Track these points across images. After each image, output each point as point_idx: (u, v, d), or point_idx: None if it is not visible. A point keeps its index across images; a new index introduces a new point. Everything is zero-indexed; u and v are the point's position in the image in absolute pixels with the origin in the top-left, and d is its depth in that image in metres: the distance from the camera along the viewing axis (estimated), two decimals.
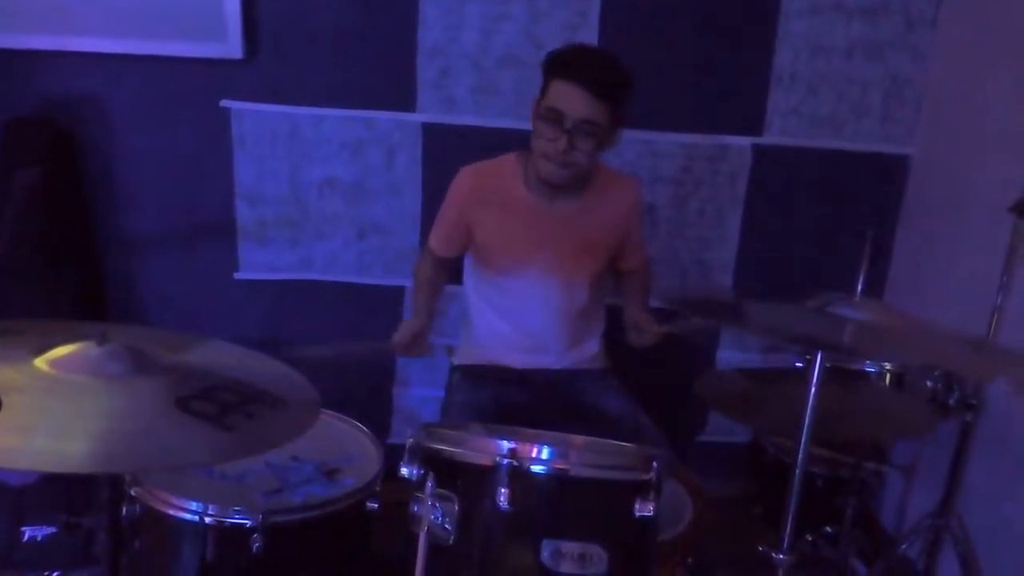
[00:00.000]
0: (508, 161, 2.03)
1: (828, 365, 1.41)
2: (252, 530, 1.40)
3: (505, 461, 1.18)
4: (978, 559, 2.14)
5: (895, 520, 2.64)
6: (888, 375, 2.23)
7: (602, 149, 1.90)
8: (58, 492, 2.13)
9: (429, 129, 2.54)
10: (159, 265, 2.59)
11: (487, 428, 1.54)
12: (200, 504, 1.43)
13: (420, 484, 1.22)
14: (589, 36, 2.47)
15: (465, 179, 2.04)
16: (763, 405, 1.73)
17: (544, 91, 1.86)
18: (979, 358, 1.52)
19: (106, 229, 2.53)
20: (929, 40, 2.55)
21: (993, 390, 2.15)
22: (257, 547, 1.40)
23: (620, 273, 2.21)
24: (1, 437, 1.00)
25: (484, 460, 1.20)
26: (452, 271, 2.19)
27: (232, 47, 2.39)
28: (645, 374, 2.22)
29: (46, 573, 2.17)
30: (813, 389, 1.40)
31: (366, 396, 2.72)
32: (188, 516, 1.43)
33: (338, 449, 1.69)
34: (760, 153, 2.63)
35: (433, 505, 1.21)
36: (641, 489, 1.22)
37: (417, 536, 1.21)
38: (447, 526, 1.21)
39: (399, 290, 2.66)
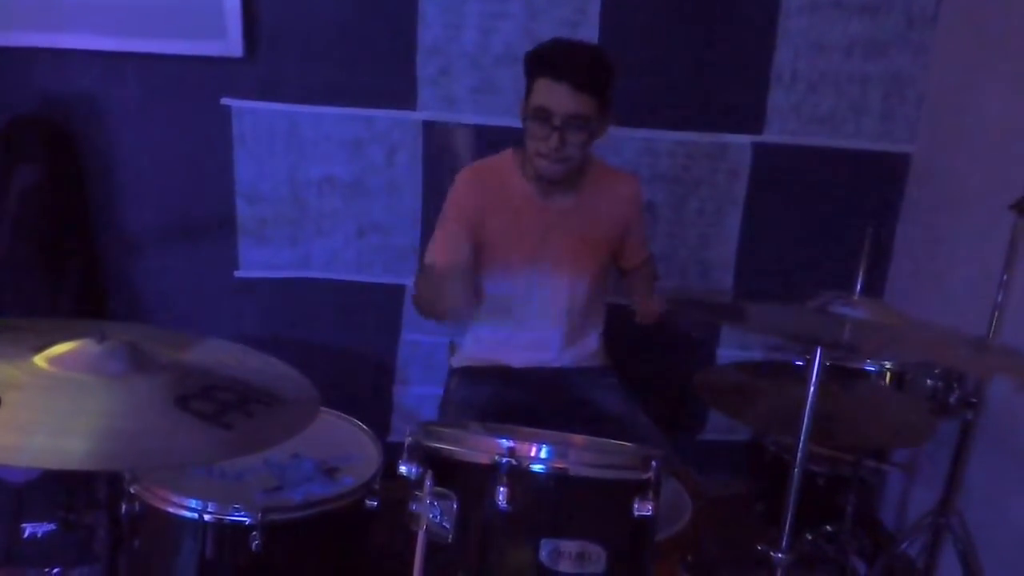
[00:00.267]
0: (506, 157, 2.03)
1: (828, 364, 1.41)
2: (251, 528, 1.41)
3: (504, 460, 1.18)
4: (978, 557, 2.14)
5: (895, 518, 2.64)
6: (888, 374, 2.23)
7: (594, 139, 1.90)
8: (58, 489, 2.14)
9: (430, 127, 2.53)
10: (159, 263, 2.59)
11: (486, 427, 1.53)
12: (199, 502, 1.43)
13: (419, 482, 1.22)
14: (589, 33, 2.47)
15: (465, 179, 2.03)
16: (761, 402, 1.73)
17: (529, 91, 1.86)
18: (979, 356, 1.52)
19: (106, 227, 2.53)
20: (930, 38, 2.55)
21: (993, 388, 2.15)
22: (256, 545, 1.40)
23: (623, 271, 2.21)
24: (1, 434, 1.00)
25: (483, 459, 1.20)
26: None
27: (232, 45, 2.39)
28: (645, 372, 2.22)
29: (46, 570, 2.18)
30: (812, 387, 1.40)
31: (366, 395, 2.73)
32: (187, 514, 1.44)
33: (337, 447, 1.69)
34: (760, 151, 2.63)
35: (432, 503, 1.20)
36: (640, 488, 1.22)
37: (416, 534, 1.21)
38: (446, 524, 1.21)
39: (399, 288, 2.66)
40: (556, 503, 1.22)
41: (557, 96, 1.80)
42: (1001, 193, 2.01)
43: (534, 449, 1.20)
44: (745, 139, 2.62)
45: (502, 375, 2.08)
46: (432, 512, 1.20)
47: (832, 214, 2.68)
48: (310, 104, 2.50)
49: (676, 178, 2.64)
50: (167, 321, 2.60)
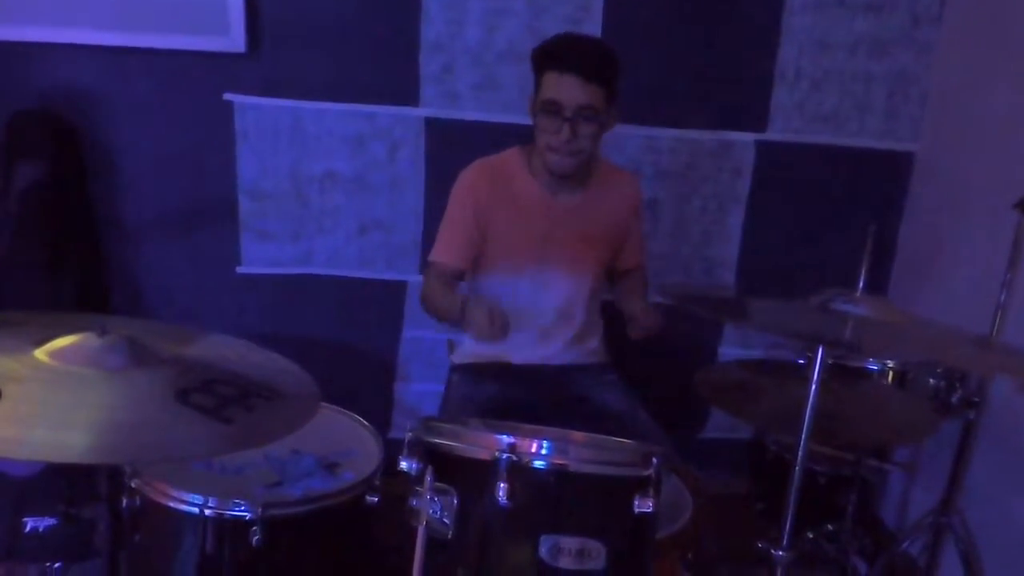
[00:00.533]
0: (511, 155, 2.03)
1: (830, 362, 1.40)
2: (252, 523, 1.40)
3: (504, 456, 1.17)
4: (980, 557, 2.13)
5: (897, 517, 2.64)
6: (890, 373, 2.23)
7: (604, 131, 1.91)
8: (59, 483, 2.14)
9: (432, 124, 2.53)
10: (161, 259, 2.60)
11: (486, 423, 1.53)
12: (200, 496, 1.42)
13: (419, 478, 1.22)
14: (592, 30, 2.46)
15: (470, 177, 2.02)
16: (763, 400, 1.72)
17: (538, 86, 1.87)
18: (982, 355, 1.52)
19: (108, 222, 2.53)
20: (934, 36, 2.54)
21: (996, 388, 2.14)
22: (256, 540, 1.40)
23: (617, 272, 2.20)
24: (1, 427, 1.00)
25: (483, 455, 1.20)
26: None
27: (235, 41, 2.39)
28: (647, 371, 2.22)
29: (48, 564, 2.18)
30: (814, 385, 1.39)
31: (368, 391, 2.73)
32: (188, 508, 1.43)
33: (338, 443, 1.68)
34: (763, 149, 2.62)
35: (432, 499, 1.20)
36: (640, 485, 1.22)
37: (416, 530, 1.21)
38: (446, 520, 1.20)
39: (401, 285, 2.66)
40: (556, 499, 1.21)
41: (567, 88, 1.81)
42: (1005, 192, 2.00)
43: (534, 445, 1.20)
44: (748, 137, 2.61)
45: (503, 372, 2.08)
46: (432, 508, 1.20)
47: (835, 212, 2.67)
48: (312, 100, 2.50)
49: (679, 175, 2.64)
50: (169, 317, 2.61)
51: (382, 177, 2.58)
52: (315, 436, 1.61)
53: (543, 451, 1.20)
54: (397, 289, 2.67)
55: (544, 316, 2.08)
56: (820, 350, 1.38)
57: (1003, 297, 2.01)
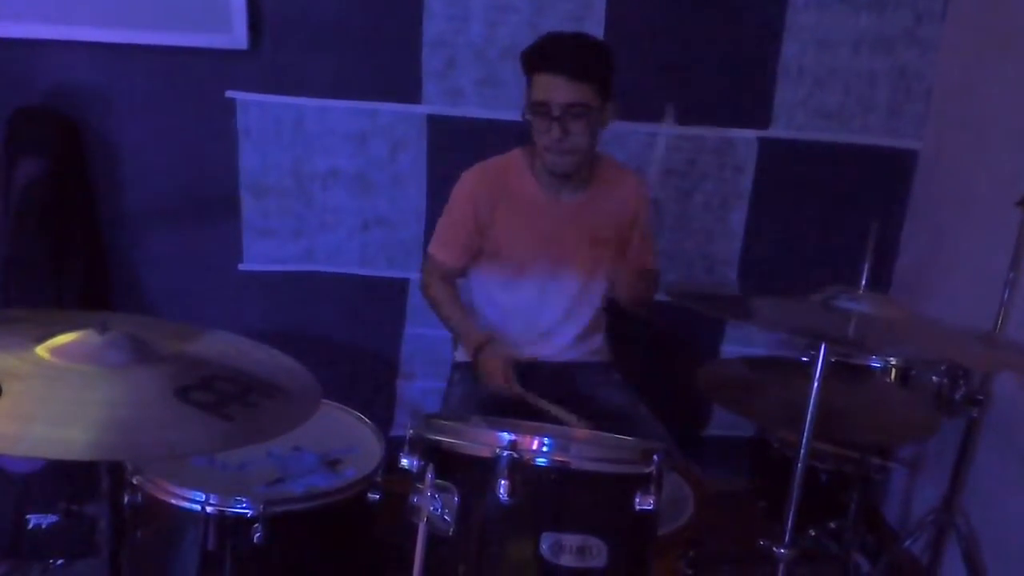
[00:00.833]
0: (514, 157, 2.03)
1: (833, 360, 1.40)
2: (253, 520, 1.40)
3: (505, 453, 1.17)
4: (982, 554, 2.13)
5: (899, 515, 2.63)
6: (894, 371, 2.22)
7: (600, 127, 1.90)
8: (61, 480, 2.14)
9: (434, 121, 2.53)
10: (163, 255, 2.60)
11: (487, 420, 1.53)
12: (202, 493, 1.43)
13: (420, 475, 1.22)
14: (594, 28, 2.46)
15: (470, 181, 2.02)
16: (766, 398, 1.72)
17: (528, 88, 1.88)
18: (985, 352, 1.51)
19: (110, 219, 2.54)
20: (937, 34, 2.53)
21: (999, 385, 2.14)
22: (258, 537, 1.40)
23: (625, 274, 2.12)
24: (1, 424, 1.00)
25: (484, 452, 1.20)
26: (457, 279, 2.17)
27: (237, 38, 2.39)
28: (649, 368, 2.22)
29: (50, 561, 2.19)
30: (816, 382, 1.39)
31: (370, 388, 2.73)
32: (190, 505, 1.43)
33: (340, 440, 1.69)
34: (766, 147, 2.62)
35: (433, 496, 1.20)
36: (641, 482, 1.22)
37: (417, 527, 1.21)
38: (447, 517, 1.20)
39: (403, 282, 2.66)
40: (557, 496, 1.21)
41: (554, 88, 1.81)
42: (1008, 189, 2.00)
43: (535, 442, 1.20)
44: (751, 134, 2.61)
45: None
46: (433, 505, 1.20)
47: (838, 210, 2.67)
48: (315, 97, 2.50)
49: (682, 173, 2.63)
50: (171, 313, 2.61)
51: (384, 174, 2.58)
52: (317, 433, 1.62)
53: (544, 448, 1.20)
54: (399, 286, 2.67)
55: (547, 316, 2.08)
56: (822, 347, 1.38)
57: (1006, 294, 2.01)
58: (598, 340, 2.18)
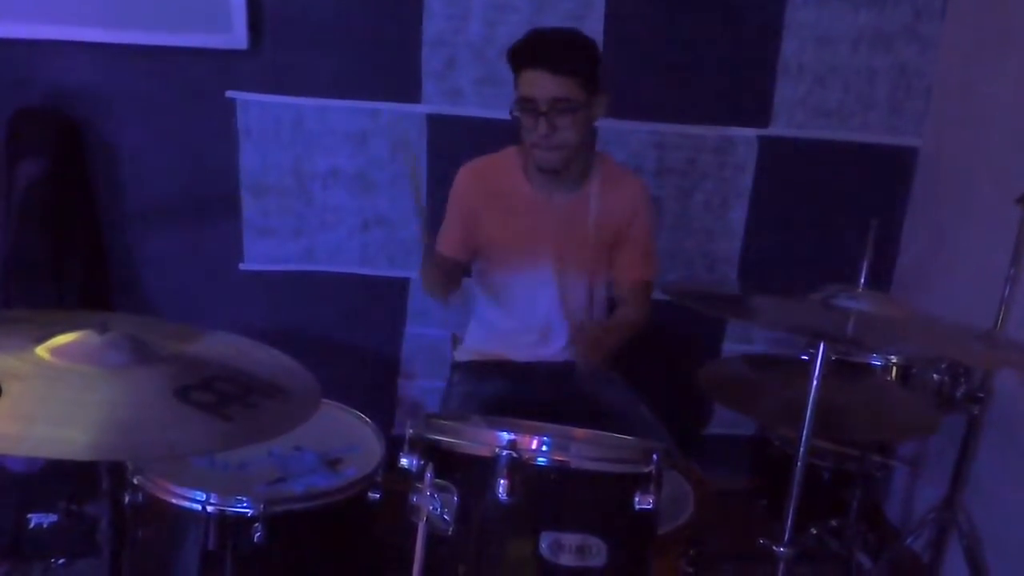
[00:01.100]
0: (508, 155, 2.03)
1: (833, 358, 1.40)
2: (254, 519, 1.41)
3: (504, 452, 1.17)
4: (984, 552, 2.13)
5: (901, 513, 2.63)
6: (894, 369, 2.22)
7: (589, 121, 1.89)
8: (62, 480, 2.14)
9: (434, 121, 2.53)
10: (163, 255, 2.60)
11: (487, 419, 1.53)
12: (202, 493, 1.43)
13: (420, 474, 1.22)
14: (594, 26, 2.45)
15: (465, 178, 2.04)
16: (766, 396, 1.72)
17: (515, 85, 1.87)
18: (986, 350, 1.51)
19: (111, 220, 2.54)
20: (937, 31, 2.53)
21: (1000, 383, 2.13)
22: (259, 536, 1.40)
23: (617, 285, 2.10)
24: (2, 424, 1.01)
25: (484, 451, 1.20)
26: (464, 270, 2.16)
27: (237, 38, 2.39)
28: (650, 367, 2.21)
29: (51, 561, 2.19)
30: (816, 380, 1.39)
31: (370, 387, 2.73)
32: (190, 505, 1.43)
33: (340, 439, 1.69)
34: (766, 145, 2.62)
35: (432, 496, 1.20)
36: (641, 482, 1.22)
37: (416, 527, 1.21)
38: (446, 517, 1.20)
39: (403, 281, 2.66)
40: (557, 496, 1.21)
41: (539, 83, 1.81)
42: (1008, 186, 1.99)
43: (535, 442, 1.20)
44: (751, 132, 2.60)
45: (503, 370, 2.08)
46: (432, 504, 1.20)
47: (838, 208, 2.66)
48: (315, 97, 2.50)
49: (682, 171, 2.63)
50: (171, 314, 2.61)
51: (384, 174, 2.58)
52: (317, 433, 1.61)
53: (544, 448, 1.20)
54: (399, 286, 2.67)
55: (541, 316, 2.07)
56: (822, 345, 1.38)
57: (1007, 292, 2.00)
58: None
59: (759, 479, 2.61)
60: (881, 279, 2.67)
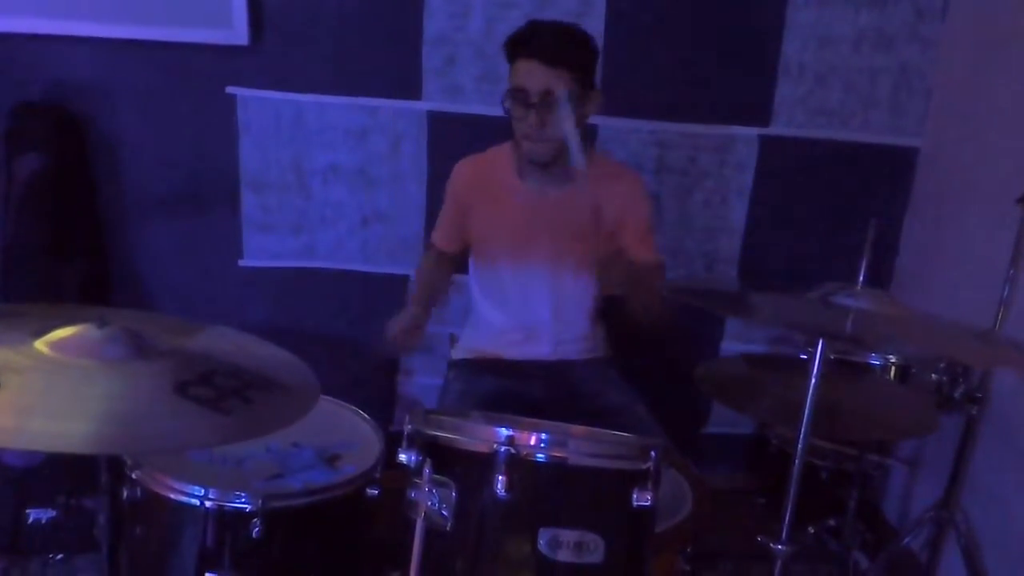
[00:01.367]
0: (503, 150, 2.04)
1: (832, 357, 1.40)
2: (252, 515, 1.40)
3: (503, 448, 1.17)
4: (981, 552, 2.13)
5: (898, 512, 2.63)
6: (893, 368, 2.22)
7: (581, 117, 1.86)
8: (61, 474, 2.14)
9: (434, 117, 2.53)
10: (163, 251, 2.60)
11: (485, 415, 1.53)
12: (201, 488, 1.42)
13: (418, 470, 1.22)
14: (595, 25, 2.45)
15: (460, 172, 2.07)
16: (765, 395, 1.72)
17: (509, 75, 1.87)
18: (985, 349, 1.51)
19: (111, 215, 2.54)
20: (938, 31, 2.53)
21: (999, 383, 2.14)
22: (257, 532, 1.40)
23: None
24: (0, 417, 1.01)
25: (482, 447, 1.20)
26: (457, 263, 2.19)
27: (238, 33, 2.39)
28: (648, 365, 2.21)
29: (50, 556, 2.19)
30: (814, 378, 1.39)
31: (369, 384, 2.73)
32: (189, 500, 1.43)
33: (339, 435, 1.69)
34: (767, 144, 2.62)
35: (430, 491, 1.20)
36: (639, 478, 1.22)
37: (415, 522, 1.21)
38: (444, 512, 1.20)
39: (403, 278, 2.66)
40: (555, 492, 1.21)
41: (529, 74, 1.81)
42: (1008, 187, 1.99)
43: (533, 438, 1.20)
44: (752, 132, 2.60)
45: (500, 368, 2.08)
46: (430, 500, 1.20)
47: (838, 207, 2.66)
48: (315, 93, 2.50)
49: (683, 170, 2.63)
50: (171, 309, 2.61)
51: (384, 170, 2.58)
52: (316, 429, 1.61)
53: (542, 444, 1.20)
54: (399, 282, 2.66)
55: (533, 311, 2.08)
56: (820, 343, 1.38)
57: (1006, 292, 2.01)
58: (593, 338, 2.17)
59: (757, 478, 2.61)
60: (880, 278, 2.67)
